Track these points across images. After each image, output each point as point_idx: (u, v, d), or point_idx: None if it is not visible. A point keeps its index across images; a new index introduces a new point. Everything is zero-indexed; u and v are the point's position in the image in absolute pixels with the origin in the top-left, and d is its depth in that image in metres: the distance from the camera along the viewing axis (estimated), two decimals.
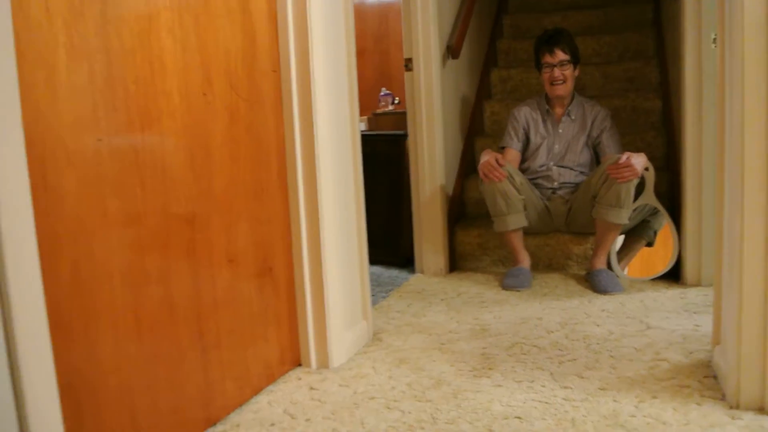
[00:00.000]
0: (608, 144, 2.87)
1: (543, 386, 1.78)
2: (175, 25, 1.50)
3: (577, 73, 2.91)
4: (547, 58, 2.85)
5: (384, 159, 3.37)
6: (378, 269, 3.24)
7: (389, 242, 3.37)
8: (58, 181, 1.21)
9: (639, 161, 2.56)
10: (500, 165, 2.71)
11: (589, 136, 2.92)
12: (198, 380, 1.58)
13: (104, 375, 1.31)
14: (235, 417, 1.68)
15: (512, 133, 3.00)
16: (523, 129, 2.99)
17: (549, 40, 2.85)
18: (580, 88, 3.25)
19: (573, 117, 2.93)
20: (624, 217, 2.62)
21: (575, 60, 2.87)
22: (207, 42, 1.60)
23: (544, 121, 2.98)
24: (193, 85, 1.55)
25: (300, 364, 2.01)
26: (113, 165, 1.33)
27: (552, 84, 2.87)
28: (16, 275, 1.04)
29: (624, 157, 2.54)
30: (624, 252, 2.94)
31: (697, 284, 2.62)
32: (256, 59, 1.79)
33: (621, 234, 2.85)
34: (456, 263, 3.17)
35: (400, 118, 3.54)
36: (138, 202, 1.40)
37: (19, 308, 1.05)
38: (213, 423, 1.64)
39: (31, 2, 1.15)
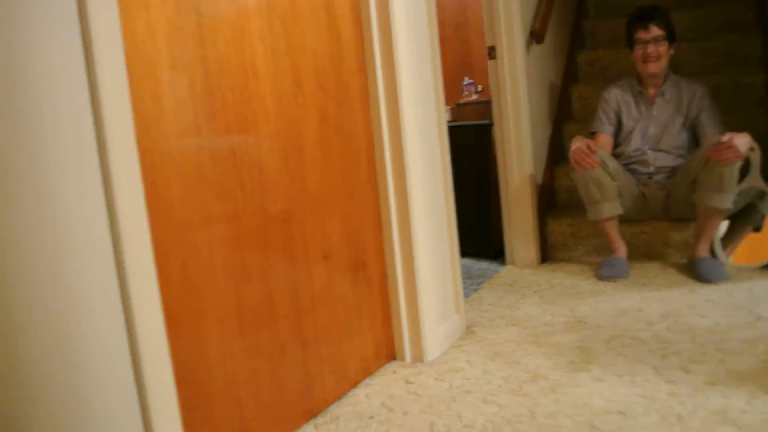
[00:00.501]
0: (708, 124, 2.72)
1: (646, 381, 1.72)
2: (265, 30, 1.54)
3: (672, 51, 2.77)
4: (641, 34, 2.74)
5: (470, 149, 3.34)
6: (468, 262, 3.22)
7: (478, 234, 3.34)
8: (166, 188, 1.28)
9: (742, 141, 2.41)
10: (592, 151, 2.63)
11: (686, 116, 2.78)
12: (298, 374, 1.63)
13: (212, 369, 1.38)
14: (334, 409, 1.73)
15: (603, 117, 2.90)
16: (615, 112, 2.89)
17: (644, 16, 2.74)
18: (675, 66, 3.09)
19: (667, 97, 2.80)
20: (727, 201, 2.48)
21: (671, 37, 2.74)
22: (295, 45, 1.64)
23: (636, 103, 2.86)
24: (284, 88, 1.60)
25: (395, 358, 2.04)
26: (214, 169, 1.39)
27: (645, 61, 2.75)
28: (135, 276, 1.12)
29: (726, 137, 2.40)
30: (729, 238, 2.78)
31: None
32: (342, 59, 1.82)
33: (725, 219, 2.70)
34: (548, 254, 3.10)
35: (484, 107, 3.50)
36: (238, 203, 1.46)
37: (139, 307, 1.13)
38: (314, 415, 1.69)
39: (135, 20, 1.22)
